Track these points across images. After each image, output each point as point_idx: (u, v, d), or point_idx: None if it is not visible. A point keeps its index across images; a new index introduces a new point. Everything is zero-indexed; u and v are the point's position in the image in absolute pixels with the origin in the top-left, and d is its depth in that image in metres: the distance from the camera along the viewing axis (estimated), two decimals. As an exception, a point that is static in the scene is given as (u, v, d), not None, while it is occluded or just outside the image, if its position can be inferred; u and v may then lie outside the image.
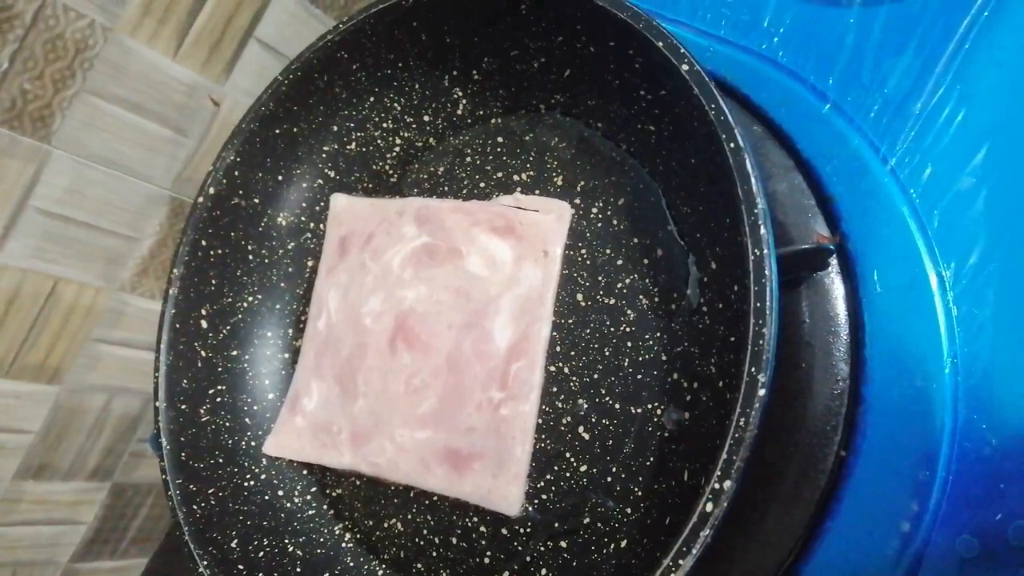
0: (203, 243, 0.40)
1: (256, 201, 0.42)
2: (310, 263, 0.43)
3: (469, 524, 0.35)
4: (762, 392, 0.25)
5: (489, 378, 0.35)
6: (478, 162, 0.40)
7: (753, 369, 0.25)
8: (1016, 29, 0.33)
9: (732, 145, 0.27)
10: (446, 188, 0.40)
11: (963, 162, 0.32)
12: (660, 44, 0.29)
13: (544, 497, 0.33)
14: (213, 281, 0.40)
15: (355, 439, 0.37)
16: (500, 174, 0.39)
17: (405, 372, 0.37)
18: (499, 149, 0.39)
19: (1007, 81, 0.32)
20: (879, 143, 0.34)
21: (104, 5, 0.49)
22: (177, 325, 0.39)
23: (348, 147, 0.42)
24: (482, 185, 0.39)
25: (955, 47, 0.33)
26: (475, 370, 0.35)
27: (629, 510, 0.31)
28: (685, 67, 0.29)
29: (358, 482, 0.38)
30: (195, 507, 0.35)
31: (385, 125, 0.42)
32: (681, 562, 0.24)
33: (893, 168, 0.33)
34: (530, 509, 0.33)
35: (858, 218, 0.33)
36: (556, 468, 0.33)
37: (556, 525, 0.33)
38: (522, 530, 0.33)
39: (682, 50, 0.29)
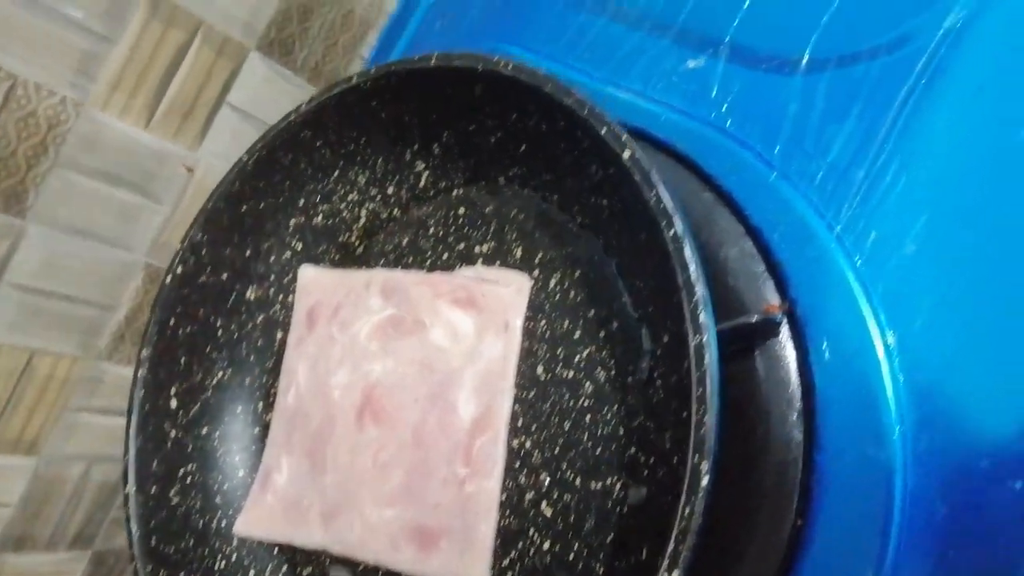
0: (171, 322, 0.40)
1: (224, 277, 0.42)
2: (279, 336, 0.44)
3: (437, 600, 0.35)
4: (706, 480, 0.25)
5: (454, 453, 0.35)
6: (441, 233, 0.41)
7: (696, 457, 0.25)
8: (950, 97, 0.34)
9: (672, 233, 0.28)
10: (411, 259, 0.41)
11: (906, 229, 0.33)
12: (602, 131, 0.30)
13: (509, 575, 0.33)
14: (182, 359, 0.41)
15: (325, 515, 0.38)
16: (462, 245, 0.40)
17: (373, 447, 0.38)
18: (461, 220, 0.40)
19: (945, 149, 0.33)
20: (824, 210, 0.35)
21: (75, 81, 0.50)
22: (146, 407, 0.39)
23: (315, 220, 0.43)
24: (445, 256, 0.40)
25: (895, 114, 0.34)
26: (440, 445, 0.36)
27: (591, 586, 0.32)
28: (627, 154, 0.29)
29: (328, 560, 0.38)
30: (166, 591, 0.36)
31: (350, 197, 0.43)
32: (634, 650, 0.25)
33: (839, 235, 0.34)
34: (496, 585, 0.34)
35: (806, 284, 0.34)
36: (520, 545, 0.33)
37: (522, 600, 0.33)
38: (489, 606, 0.34)
39: (623, 137, 0.30)
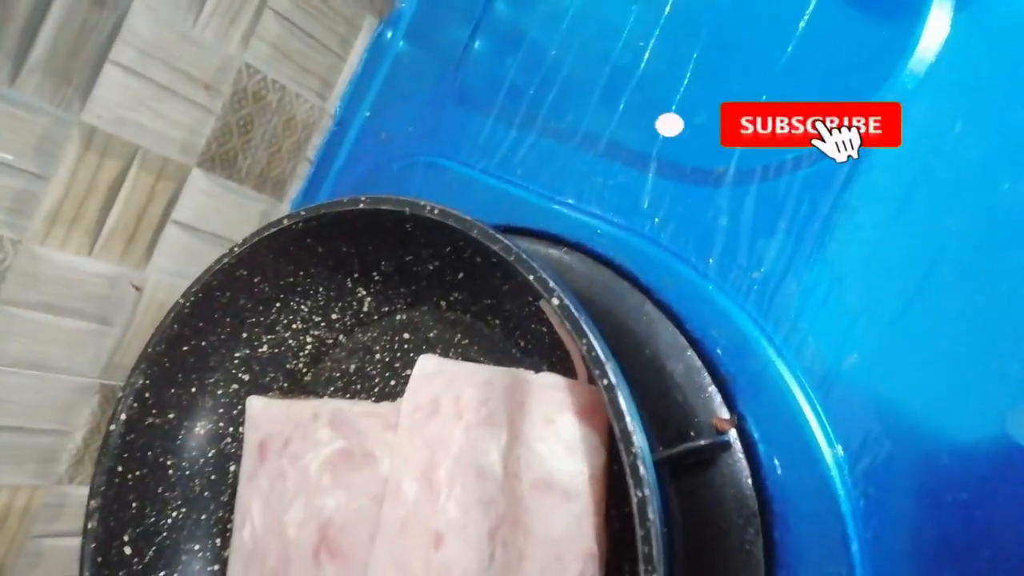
0: (119, 469, 0.40)
1: (171, 416, 0.42)
2: (232, 468, 0.43)
3: None
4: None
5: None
6: (387, 359, 0.40)
7: (644, 623, 0.25)
8: (874, 205, 0.34)
9: (606, 382, 0.28)
10: (359, 386, 0.41)
11: (844, 339, 0.33)
12: (531, 278, 0.30)
13: None
14: (134, 504, 0.40)
15: (286, 662, 0.37)
16: (408, 371, 0.39)
17: (330, 587, 0.37)
18: (406, 345, 0.40)
19: (873, 257, 0.34)
20: (763, 322, 0.35)
21: (10, 221, 0.49)
22: (99, 559, 0.38)
23: (260, 350, 0.43)
24: (392, 383, 0.40)
25: (821, 226, 0.35)
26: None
27: None
28: (556, 301, 0.29)
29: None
30: None
31: (295, 326, 0.43)
32: None
33: (779, 347, 0.34)
34: None
35: (752, 398, 0.34)
36: None
37: None
38: None
39: (551, 284, 0.30)
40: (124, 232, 0.55)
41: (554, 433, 0.31)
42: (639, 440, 0.27)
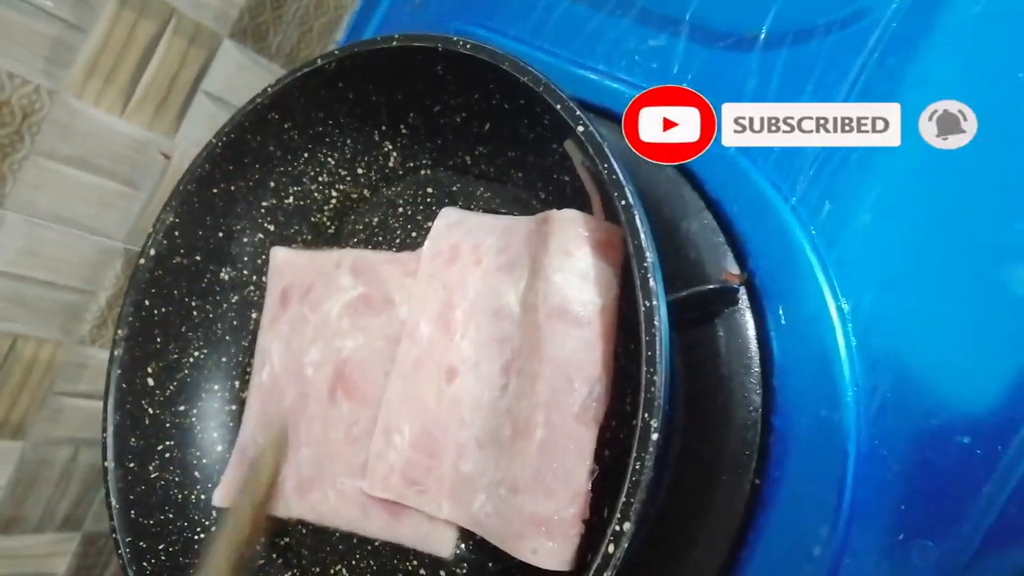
0: (146, 303, 0.41)
1: (198, 258, 0.43)
2: (254, 315, 0.45)
3: (409, 567, 0.36)
4: (655, 437, 0.26)
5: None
6: (410, 212, 0.41)
7: (647, 415, 0.26)
8: (901, 72, 0.34)
9: (623, 203, 0.29)
10: (381, 238, 0.42)
11: (859, 201, 0.34)
12: (558, 106, 0.31)
13: (478, 537, 0.34)
14: (158, 339, 0.42)
15: (300, 488, 0.39)
16: (430, 224, 0.40)
17: (345, 421, 0.38)
18: (429, 200, 0.41)
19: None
20: (781, 182, 0.36)
21: (48, 70, 0.50)
22: (123, 385, 0.40)
23: (286, 201, 0.44)
24: (414, 235, 0.41)
25: (847, 90, 0.35)
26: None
27: (555, 548, 0.32)
28: (581, 128, 0.30)
29: (304, 530, 0.39)
30: (145, 564, 0.37)
31: (321, 179, 0.44)
32: (588, 602, 0.26)
33: (795, 206, 0.35)
34: (464, 549, 0.35)
35: (764, 255, 0.35)
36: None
37: (490, 565, 0.34)
38: (459, 571, 0.35)
39: (577, 112, 0.30)
40: (156, 96, 0.55)
41: (571, 264, 0.32)
42: (651, 256, 0.28)
